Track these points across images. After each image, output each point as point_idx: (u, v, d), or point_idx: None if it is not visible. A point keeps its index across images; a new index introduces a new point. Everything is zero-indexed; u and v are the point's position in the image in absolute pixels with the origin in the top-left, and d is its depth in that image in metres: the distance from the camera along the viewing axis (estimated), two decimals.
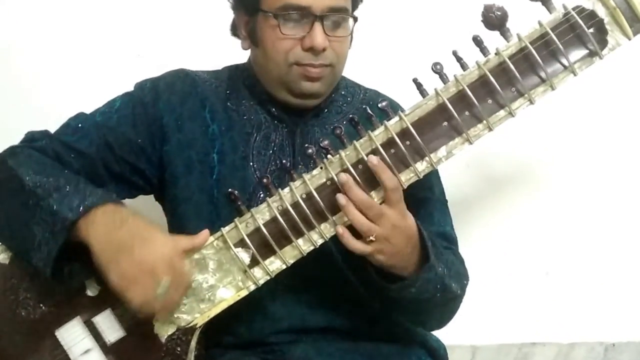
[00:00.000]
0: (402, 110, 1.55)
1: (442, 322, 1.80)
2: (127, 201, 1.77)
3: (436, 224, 1.79)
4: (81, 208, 1.51)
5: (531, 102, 1.52)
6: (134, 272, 1.47)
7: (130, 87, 1.81)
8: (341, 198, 1.50)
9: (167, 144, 1.75)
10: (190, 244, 1.56)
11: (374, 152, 1.53)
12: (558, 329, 2.67)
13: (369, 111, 1.56)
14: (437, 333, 1.91)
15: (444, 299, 1.65)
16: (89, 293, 1.61)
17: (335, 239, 1.55)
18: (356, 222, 1.50)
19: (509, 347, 2.67)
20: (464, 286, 1.72)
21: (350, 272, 1.75)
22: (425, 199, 1.81)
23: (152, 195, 1.86)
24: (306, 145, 1.61)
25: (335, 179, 1.52)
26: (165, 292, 1.47)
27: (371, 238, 1.51)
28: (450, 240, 1.81)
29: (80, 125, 1.73)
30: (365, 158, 1.51)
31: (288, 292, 1.73)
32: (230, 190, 1.60)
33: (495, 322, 2.64)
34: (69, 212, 1.50)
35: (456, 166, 2.36)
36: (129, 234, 1.49)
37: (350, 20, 1.73)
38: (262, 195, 1.70)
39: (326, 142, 1.56)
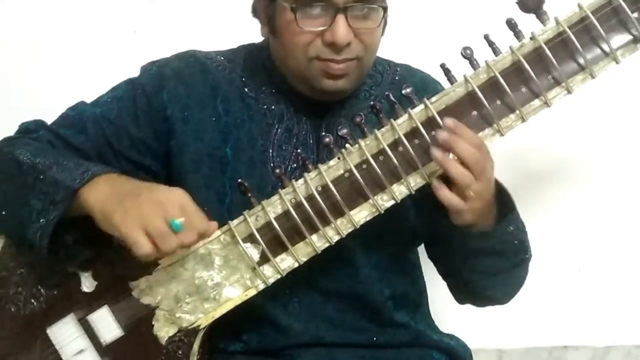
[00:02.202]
0: (436, 90, 1.48)
1: (512, 291, 1.70)
2: None
3: None
4: (85, 175, 1.43)
5: (569, 92, 1.46)
6: (142, 211, 1.36)
7: (125, 65, 1.73)
8: (437, 151, 1.40)
9: (173, 137, 1.64)
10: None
11: (397, 142, 1.46)
12: (592, 331, 2.61)
13: (392, 98, 1.48)
14: (462, 336, 1.84)
15: (518, 257, 1.61)
16: (85, 289, 1.54)
17: (360, 243, 1.52)
18: (459, 177, 1.40)
19: (538, 351, 2.61)
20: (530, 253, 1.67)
21: (374, 286, 1.67)
22: None
23: None
24: (323, 134, 1.52)
25: (354, 170, 1.45)
26: (179, 229, 1.36)
27: (471, 194, 1.42)
28: None
29: (78, 117, 1.65)
30: (387, 149, 1.44)
31: (304, 306, 1.65)
32: (240, 180, 1.51)
33: (523, 324, 2.57)
34: (72, 181, 1.43)
35: None
36: (136, 185, 1.43)
37: (381, 9, 1.56)
38: None
39: (345, 131, 1.48)
